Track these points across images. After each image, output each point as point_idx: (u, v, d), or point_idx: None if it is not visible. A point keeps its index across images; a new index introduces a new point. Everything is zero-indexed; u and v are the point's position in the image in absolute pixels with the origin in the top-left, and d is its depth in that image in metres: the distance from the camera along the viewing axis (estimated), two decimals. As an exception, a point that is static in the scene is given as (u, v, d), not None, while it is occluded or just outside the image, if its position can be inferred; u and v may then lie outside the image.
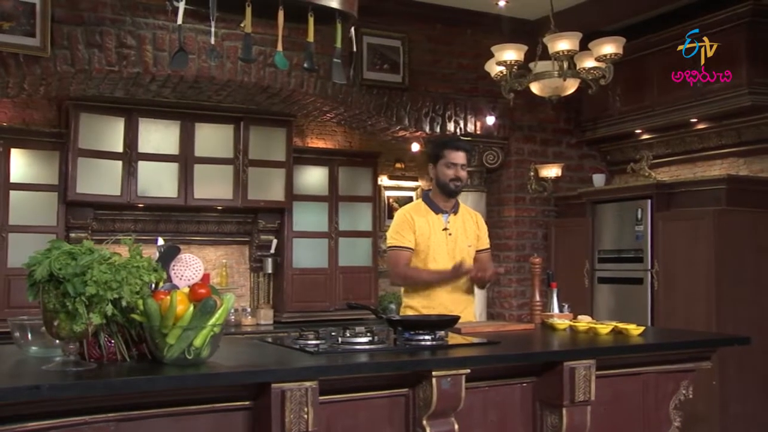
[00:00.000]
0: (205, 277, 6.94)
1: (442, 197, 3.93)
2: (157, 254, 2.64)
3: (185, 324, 2.24)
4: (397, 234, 3.87)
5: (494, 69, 4.74)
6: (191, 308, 2.26)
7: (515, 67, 4.60)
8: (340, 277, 6.88)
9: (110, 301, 2.14)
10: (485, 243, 4.07)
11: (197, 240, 6.68)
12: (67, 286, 2.11)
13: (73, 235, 5.89)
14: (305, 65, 3.55)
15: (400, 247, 3.85)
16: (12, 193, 5.73)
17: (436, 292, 3.82)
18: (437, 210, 3.91)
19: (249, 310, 6.71)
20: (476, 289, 4.10)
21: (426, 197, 3.99)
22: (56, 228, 5.84)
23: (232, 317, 6.54)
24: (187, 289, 2.36)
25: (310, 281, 6.76)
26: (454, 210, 3.96)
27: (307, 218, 6.84)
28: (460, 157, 3.88)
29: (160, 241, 2.71)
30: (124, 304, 2.19)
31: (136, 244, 2.38)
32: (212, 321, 2.28)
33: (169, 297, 2.26)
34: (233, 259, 6.89)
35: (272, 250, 6.77)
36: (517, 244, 6.69)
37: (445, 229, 3.88)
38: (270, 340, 3.08)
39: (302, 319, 6.43)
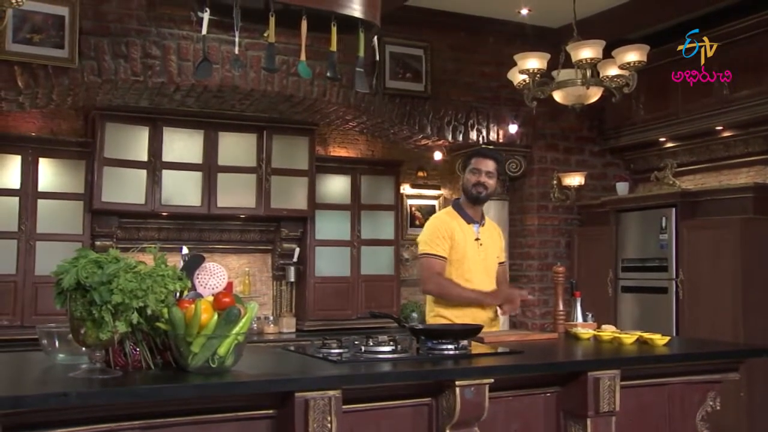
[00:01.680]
0: (228, 286, 6.97)
1: (470, 206, 3.89)
2: (182, 263, 2.66)
3: (209, 332, 2.25)
4: (431, 241, 3.77)
5: (517, 77, 4.73)
6: (215, 317, 2.28)
7: (538, 75, 4.57)
8: (363, 285, 6.88)
9: (135, 309, 2.16)
10: (503, 256, 4.12)
11: (220, 248, 6.72)
12: (94, 294, 2.13)
13: (98, 243, 5.95)
14: (328, 74, 3.55)
15: (435, 255, 3.74)
16: (40, 201, 5.81)
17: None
18: (468, 220, 3.87)
19: (271, 318, 6.74)
20: None
21: (456, 205, 3.95)
22: (82, 236, 5.90)
23: (255, 325, 6.56)
24: (211, 298, 2.38)
25: (333, 290, 6.77)
26: (482, 222, 3.94)
27: (330, 227, 6.85)
28: (484, 163, 3.85)
29: (185, 250, 2.73)
30: (149, 312, 2.21)
31: (161, 253, 2.40)
32: (236, 330, 2.29)
33: (193, 305, 2.28)
34: (256, 268, 6.92)
35: (295, 259, 6.79)
36: (540, 252, 6.65)
37: (477, 239, 3.86)
38: (293, 348, 3.09)
39: (324, 328, 6.43)
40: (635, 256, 6.01)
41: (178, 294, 2.46)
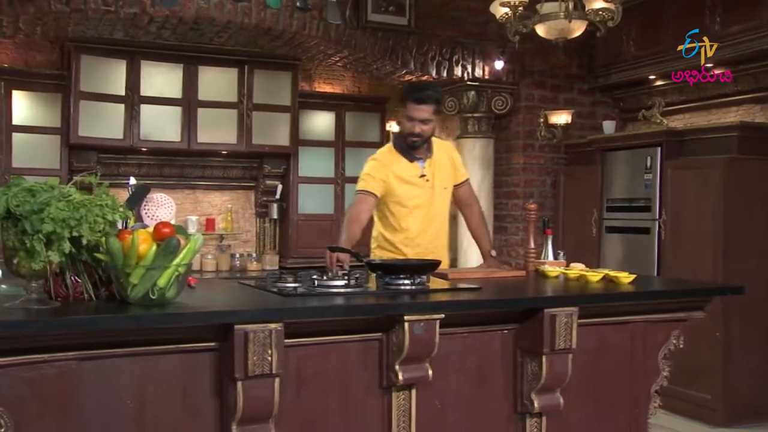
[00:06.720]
0: (210, 222, 6.90)
1: None
2: (129, 194, 2.60)
3: (148, 263, 2.20)
4: (363, 181, 3.66)
5: (499, 11, 4.57)
6: (154, 247, 2.22)
7: (520, 8, 4.42)
8: (346, 223, 6.83)
9: (68, 238, 2.11)
10: (463, 175, 3.90)
11: (202, 185, 6.67)
12: (25, 223, 2.07)
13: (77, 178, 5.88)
14: (298, 4, 3.44)
15: (363, 191, 3.64)
16: (15, 135, 5.73)
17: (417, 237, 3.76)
18: (411, 158, 3.70)
19: (254, 255, 6.72)
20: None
21: (397, 144, 3.76)
22: (60, 171, 5.84)
23: (237, 262, 6.56)
24: (151, 229, 2.32)
25: (316, 227, 6.74)
26: (429, 153, 3.74)
27: (313, 164, 6.79)
28: (420, 111, 3.57)
29: (132, 181, 2.66)
30: (84, 242, 2.16)
31: (103, 183, 2.33)
32: (177, 261, 2.24)
33: (131, 236, 2.22)
34: (239, 205, 6.87)
35: (278, 196, 6.74)
36: (525, 191, 6.57)
37: (423, 175, 3.72)
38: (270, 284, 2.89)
39: (307, 265, 6.35)
40: (620, 195, 5.92)
41: (124, 225, 2.40)
